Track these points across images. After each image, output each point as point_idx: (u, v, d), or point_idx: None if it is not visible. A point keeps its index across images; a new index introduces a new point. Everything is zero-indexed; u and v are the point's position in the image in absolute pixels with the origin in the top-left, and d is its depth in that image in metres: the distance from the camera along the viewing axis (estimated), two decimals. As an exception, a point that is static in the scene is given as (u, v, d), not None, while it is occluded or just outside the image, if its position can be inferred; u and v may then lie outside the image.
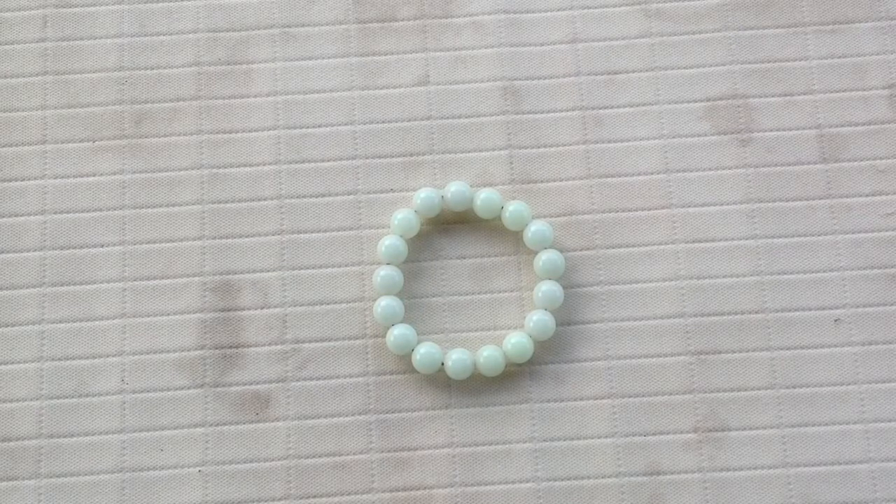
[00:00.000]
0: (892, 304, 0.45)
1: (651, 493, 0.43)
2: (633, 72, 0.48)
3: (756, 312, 0.45)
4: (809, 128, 0.47)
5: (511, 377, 0.44)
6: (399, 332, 0.44)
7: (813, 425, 0.44)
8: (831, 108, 0.47)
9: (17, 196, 0.46)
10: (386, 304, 0.44)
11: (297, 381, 0.44)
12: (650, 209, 0.46)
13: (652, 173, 0.47)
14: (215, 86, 0.48)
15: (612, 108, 0.47)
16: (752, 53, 0.48)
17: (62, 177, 0.47)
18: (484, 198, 0.45)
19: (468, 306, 0.45)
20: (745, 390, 0.44)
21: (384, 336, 0.44)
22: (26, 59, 0.48)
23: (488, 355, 0.44)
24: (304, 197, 0.46)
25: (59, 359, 0.45)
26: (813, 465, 0.43)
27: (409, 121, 0.47)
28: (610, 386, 0.44)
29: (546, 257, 0.45)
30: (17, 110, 0.48)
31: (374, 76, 0.48)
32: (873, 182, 0.46)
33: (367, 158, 0.47)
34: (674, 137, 0.47)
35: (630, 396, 0.44)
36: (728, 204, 0.46)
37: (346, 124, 0.47)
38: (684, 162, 0.47)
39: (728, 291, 0.45)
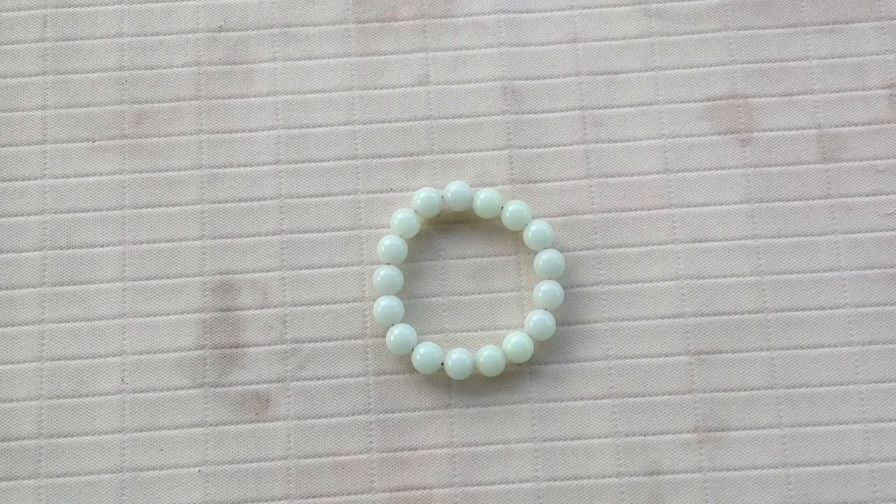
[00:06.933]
0: (892, 304, 0.45)
1: (651, 493, 0.43)
2: (633, 72, 0.48)
3: (756, 312, 0.45)
4: (809, 128, 0.47)
5: (511, 377, 0.44)
6: (399, 332, 0.44)
7: (813, 425, 0.44)
8: (831, 108, 0.47)
9: (17, 196, 0.46)
10: (386, 304, 0.44)
11: (297, 381, 0.44)
12: (650, 209, 0.46)
13: (652, 173, 0.47)
14: (215, 86, 0.48)
15: (612, 108, 0.47)
16: (752, 53, 0.48)
17: (62, 177, 0.47)
18: (484, 198, 0.45)
19: (468, 306, 0.45)
20: (745, 390, 0.44)
21: (384, 336, 0.44)
22: (26, 59, 0.48)
23: (488, 355, 0.44)
24: (304, 197, 0.46)
25: (59, 359, 0.45)
26: (813, 465, 0.43)
27: (409, 121, 0.47)
28: (610, 386, 0.44)
29: (546, 257, 0.45)
30: (17, 110, 0.48)
31: (374, 76, 0.48)
32: (873, 182, 0.46)
33: (367, 158, 0.47)
34: (674, 137, 0.47)
35: (630, 396, 0.44)
36: (728, 204, 0.46)
37: (346, 124, 0.47)
38: (684, 162, 0.47)
39: (728, 291, 0.45)
